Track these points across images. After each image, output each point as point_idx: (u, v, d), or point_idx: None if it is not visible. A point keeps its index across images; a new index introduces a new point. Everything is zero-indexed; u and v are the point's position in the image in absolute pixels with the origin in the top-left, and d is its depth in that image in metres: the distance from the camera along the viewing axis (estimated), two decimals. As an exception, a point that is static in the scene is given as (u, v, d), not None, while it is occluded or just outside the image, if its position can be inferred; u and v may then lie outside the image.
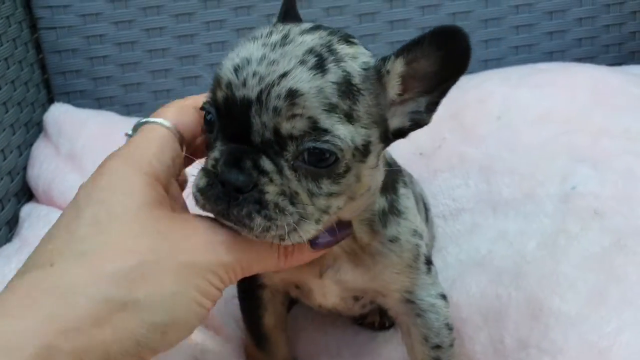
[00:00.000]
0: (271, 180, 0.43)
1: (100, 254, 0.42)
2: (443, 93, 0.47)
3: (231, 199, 0.43)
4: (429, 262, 0.55)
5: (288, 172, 0.44)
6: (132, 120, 0.92)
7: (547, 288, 0.59)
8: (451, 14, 0.99)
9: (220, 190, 0.44)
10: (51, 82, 0.98)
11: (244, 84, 0.43)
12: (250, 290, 0.61)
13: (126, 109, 0.99)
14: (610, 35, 1.02)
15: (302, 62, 0.43)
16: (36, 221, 0.76)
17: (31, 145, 0.89)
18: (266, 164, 0.43)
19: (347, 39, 0.47)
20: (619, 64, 1.02)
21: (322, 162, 0.43)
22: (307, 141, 0.43)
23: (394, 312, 0.57)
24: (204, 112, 0.47)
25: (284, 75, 0.43)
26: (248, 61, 0.44)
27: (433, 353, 0.54)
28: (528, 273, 0.62)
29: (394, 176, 0.54)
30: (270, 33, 0.46)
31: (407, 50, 0.45)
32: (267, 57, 0.43)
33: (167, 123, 0.49)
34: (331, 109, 0.43)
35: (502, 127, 0.77)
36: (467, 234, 0.71)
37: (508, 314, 0.60)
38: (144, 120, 0.51)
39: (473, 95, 0.85)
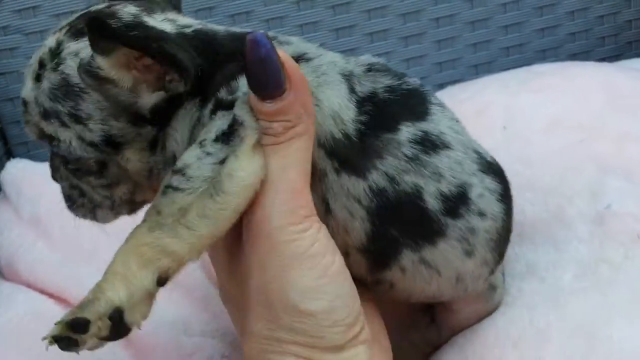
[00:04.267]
0: (61, 177, 0.49)
1: None
2: (154, 55, 0.40)
3: None
4: None
5: (62, 169, 0.48)
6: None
7: (599, 319, 0.52)
8: (434, 19, 0.92)
9: None
10: (6, 132, 0.89)
11: None
12: None
13: (91, 154, 0.90)
14: (605, 27, 0.95)
15: (32, 71, 0.45)
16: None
17: (-11, 207, 0.80)
18: (55, 162, 0.49)
19: (81, 32, 0.44)
20: (617, 55, 0.96)
21: (70, 164, 0.47)
22: (51, 146, 0.46)
23: None
24: None
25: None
26: None
27: None
28: (569, 303, 0.55)
29: None
30: None
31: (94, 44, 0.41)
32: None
33: None
34: (46, 116, 0.44)
35: (510, 138, 0.70)
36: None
37: (549, 339, 0.52)
38: None
39: (470, 107, 0.77)
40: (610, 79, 0.76)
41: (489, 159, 0.50)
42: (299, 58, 0.44)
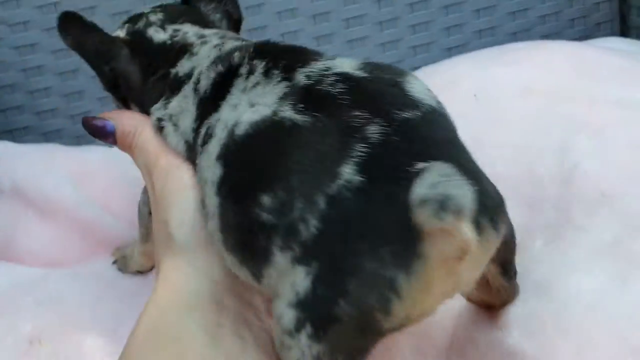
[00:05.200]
0: None
1: None
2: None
3: None
4: None
5: None
6: (77, 151, 0.85)
7: (561, 273, 0.53)
8: (408, 5, 0.94)
9: None
10: (-10, 122, 0.91)
11: None
12: None
13: (76, 140, 0.91)
14: (574, 9, 0.98)
15: None
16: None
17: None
18: None
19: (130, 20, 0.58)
20: (586, 36, 0.99)
21: None
22: None
23: None
24: None
25: None
26: None
27: None
28: (536, 269, 0.56)
29: None
30: None
31: None
32: None
33: None
34: None
35: (481, 104, 0.72)
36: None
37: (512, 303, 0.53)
38: None
39: (442, 80, 0.79)
40: (578, 52, 0.79)
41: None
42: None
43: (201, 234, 0.44)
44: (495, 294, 0.51)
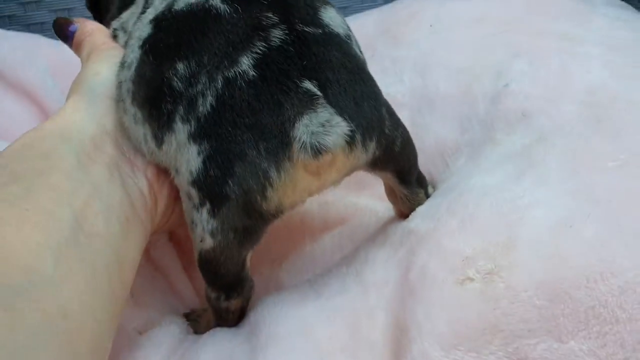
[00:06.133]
0: None
1: None
2: None
3: None
4: None
5: None
6: (58, 44, 0.89)
7: (467, 177, 0.58)
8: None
9: None
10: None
11: None
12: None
13: (57, 35, 0.95)
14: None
15: None
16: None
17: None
18: None
19: None
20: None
21: None
22: None
23: None
24: None
25: None
26: None
27: None
28: (450, 179, 0.61)
29: None
30: None
31: None
32: None
33: None
34: None
35: (435, 32, 0.76)
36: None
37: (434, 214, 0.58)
38: None
39: (403, 14, 0.84)
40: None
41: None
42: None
43: (110, 89, 0.49)
44: (401, 202, 0.57)
